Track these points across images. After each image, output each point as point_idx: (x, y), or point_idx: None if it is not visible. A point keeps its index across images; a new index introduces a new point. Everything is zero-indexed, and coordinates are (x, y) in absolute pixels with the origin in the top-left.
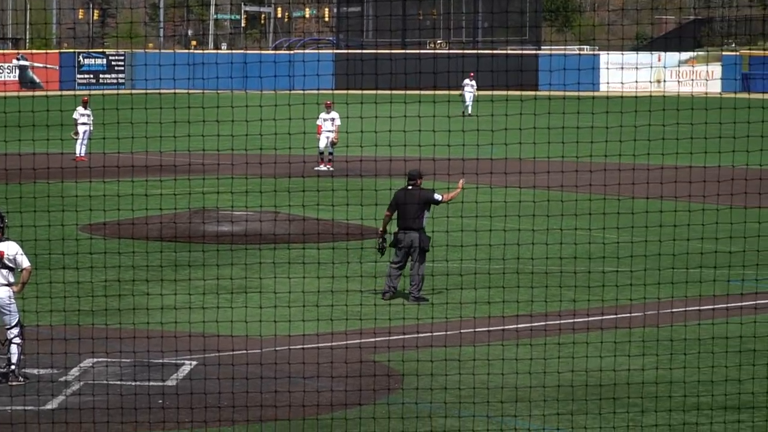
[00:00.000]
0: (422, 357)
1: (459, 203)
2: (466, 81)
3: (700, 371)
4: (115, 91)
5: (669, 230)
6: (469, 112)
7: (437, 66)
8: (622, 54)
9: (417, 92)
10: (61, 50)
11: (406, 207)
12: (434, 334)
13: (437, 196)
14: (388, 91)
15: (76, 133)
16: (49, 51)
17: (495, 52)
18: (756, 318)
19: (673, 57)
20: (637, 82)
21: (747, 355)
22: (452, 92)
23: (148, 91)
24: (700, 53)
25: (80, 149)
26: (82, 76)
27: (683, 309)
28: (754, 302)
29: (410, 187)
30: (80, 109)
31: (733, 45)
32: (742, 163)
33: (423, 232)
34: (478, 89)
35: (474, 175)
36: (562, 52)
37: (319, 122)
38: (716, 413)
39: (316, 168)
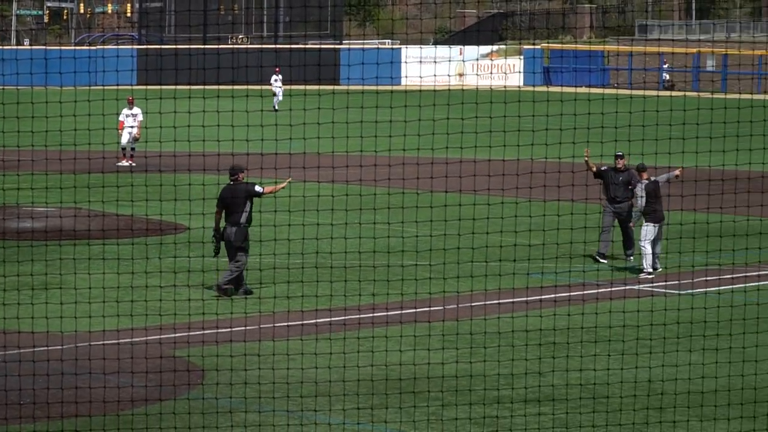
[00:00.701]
0: (222, 352)
1: (257, 199)
2: (274, 76)
3: (501, 364)
4: None
5: (468, 224)
6: (277, 107)
7: (238, 61)
8: (420, 48)
9: (216, 87)
10: None
11: (231, 202)
12: (234, 329)
13: (258, 189)
14: (188, 87)
15: None
16: None
17: (295, 46)
18: (555, 311)
19: (474, 51)
20: (435, 75)
21: (547, 347)
22: (251, 87)
23: None
24: (501, 47)
25: None
26: None
27: (483, 302)
28: (553, 295)
29: (232, 183)
30: None
31: (533, 39)
32: (541, 157)
33: (242, 227)
34: (270, 84)
35: (273, 170)
36: (363, 46)
37: (121, 118)
38: (517, 406)
39: (117, 164)
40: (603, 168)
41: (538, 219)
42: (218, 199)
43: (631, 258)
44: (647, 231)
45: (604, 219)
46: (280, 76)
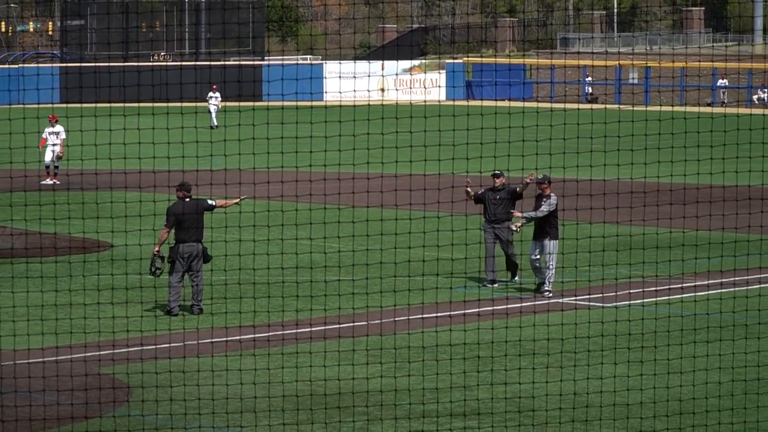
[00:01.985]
0: (148, 369)
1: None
2: (210, 93)
3: (426, 379)
4: None
5: (390, 238)
6: (215, 123)
7: (160, 78)
8: (339, 63)
9: (136, 104)
10: None
11: (187, 218)
12: (158, 346)
13: (211, 202)
14: (108, 104)
15: None
16: None
17: (216, 63)
18: (479, 324)
19: (396, 65)
20: (356, 91)
21: (472, 361)
22: (172, 104)
23: None
24: (423, 61)
25: None
26: None
27: (407, 317)
28: (477, 309)
29: (187, 200)
30: None
31: (454, 53)
32: (462, 170)
33: (203, 242)
34: (206, 101)
35: (195, 187)
36: (285, 62)
37: (44, 136)
38: (443, 420)
39: (42, 182)
40: (480, 192)
41: (461, 233)
42: (169, 216)
43: (517, 279)
44: (555, 246)
45: (486, 242)
46: (218, 94)
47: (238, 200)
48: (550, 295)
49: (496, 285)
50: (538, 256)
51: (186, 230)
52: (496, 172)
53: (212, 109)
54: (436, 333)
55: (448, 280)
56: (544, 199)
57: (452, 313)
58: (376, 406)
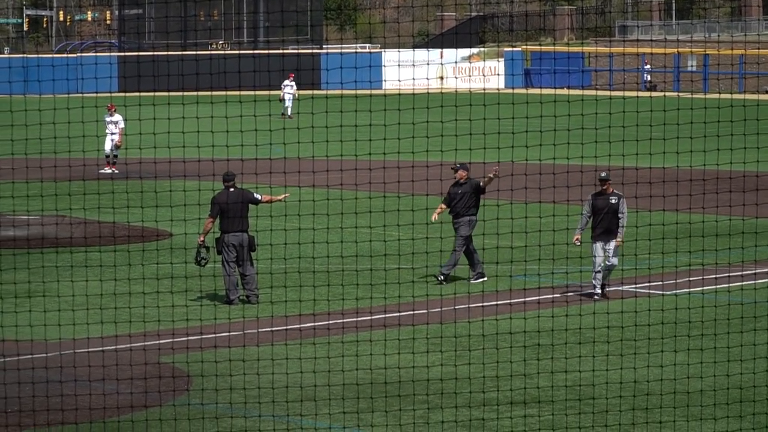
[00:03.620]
0: (207, 358)
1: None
2: (286, 82)
3: (486, 367)
4: None
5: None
6: (289, 113)
7: (218, 67)
8: (398, 51)
9: (194, 93)
10: None
11: (231, 208)
12: (218, 334)
13: (258, 196)
14: (166, 93)
15: None
16: None
17: (275, 51)
18: (539, 312)
19: (455, 54)
20: (414, 79)
21: (532, 349)
22: (230, 93)
23: None
24: (482, 49)
25: None
26: None
27: (467, 305)
28: (537, 297)
29: (232, 189)
30: None
31: (513, 41)
32: (522, 159)
33: (249, 232)
34: (281, 89)
35: (253, 176)
36: (344, 50)
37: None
38: (503, 408)
39: (101, 171)
40: (444, 196)
41: (520, 221)
42: (213, 205)
43: (474, 281)
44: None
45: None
46: (293, 82)
47: (282, 197)
48: (598, 298)
49: (444, 283)
50: (602, 259)
51: (231, 220)
52: (457, 165)
53: (287, 97)
54: (497, 321)
55: (508, 268)
56: (612, 198)
57: (512, 301)
58: (436, 395)
